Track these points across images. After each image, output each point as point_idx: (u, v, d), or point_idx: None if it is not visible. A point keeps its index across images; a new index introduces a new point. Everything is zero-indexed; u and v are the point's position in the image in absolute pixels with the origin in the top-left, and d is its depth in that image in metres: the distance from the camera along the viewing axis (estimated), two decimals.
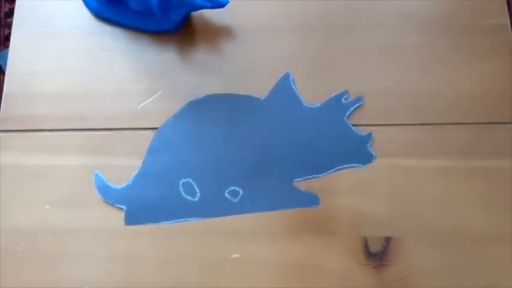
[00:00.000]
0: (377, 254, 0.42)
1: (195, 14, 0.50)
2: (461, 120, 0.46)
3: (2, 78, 1.00)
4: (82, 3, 0.51)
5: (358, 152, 0.45)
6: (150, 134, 0.46)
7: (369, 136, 0.45)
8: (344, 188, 0.44)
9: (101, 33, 0.50)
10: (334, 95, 0.46)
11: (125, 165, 0.45)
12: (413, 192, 0.44)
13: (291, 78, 0.47)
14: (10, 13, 1.08)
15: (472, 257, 0.42)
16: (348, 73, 0.47)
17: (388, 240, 0.43)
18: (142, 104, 0.47)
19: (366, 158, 0.44)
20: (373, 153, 0.44)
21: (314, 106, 0.46)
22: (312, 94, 0.46)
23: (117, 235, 0.44)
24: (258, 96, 0.47)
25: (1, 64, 1.00)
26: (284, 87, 0.47)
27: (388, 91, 0.47)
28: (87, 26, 0.50)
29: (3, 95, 0.48)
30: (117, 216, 0.44)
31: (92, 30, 0.50)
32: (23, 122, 0.47)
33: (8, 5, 1.09)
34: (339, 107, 0.46)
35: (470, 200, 0.43)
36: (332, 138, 0.45)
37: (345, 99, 0.46)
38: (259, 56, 0.48)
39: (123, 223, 0.44)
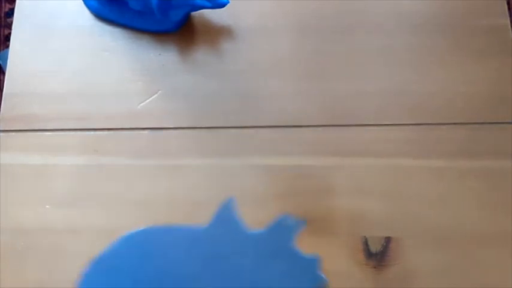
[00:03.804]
0: (377, 254, 0.42)
1: (195, 14, 0.50)
2: (460, 120, 0.46)
3: (2, 78, 1.00)
4: (82, 3, 0.51)
5: (307, 276, 0.41)
6: (150, 134, 0.46)
7: (315, 260, 0.42)
8: (344, 188, 0.44)
9: (101, 33, 0.50)
10: (277, 219, 0.43)
11: (125, 165, 0.46)
12: (413, 192, 0.44)
13: (232, 206, 0.43)
14: (10, 13, 1.08)
15: (472, 257, 0.42)
16: (345, 74, 0.47)
17: (388, 240, 0.43)
18: (142, 104, 0.47)
19: (317, 282, 0.41)
20: (323, 276, 0.41)
21: (258, 233, 0.42)
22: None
23: (117, 235, 0.44)
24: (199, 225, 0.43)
25: (1, 64, 1.00)
26: (225, 215, 0.43)
27: (385, 91, 0.47)
28: (87, 26, 0.50)
29: (3, 95, 0.48)
30: (117, 216, 0.44)
31: (92, 30, 0.50)
32: (23, 122, 0.47)
33: (8, 5, 1.09)
34: (283, 232, 0.43)
35: (469, 200, 0.43)
36: (278, 266, 0.42)
37: (287, 223, 0.43)
38: (259, 56, 0.48)
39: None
